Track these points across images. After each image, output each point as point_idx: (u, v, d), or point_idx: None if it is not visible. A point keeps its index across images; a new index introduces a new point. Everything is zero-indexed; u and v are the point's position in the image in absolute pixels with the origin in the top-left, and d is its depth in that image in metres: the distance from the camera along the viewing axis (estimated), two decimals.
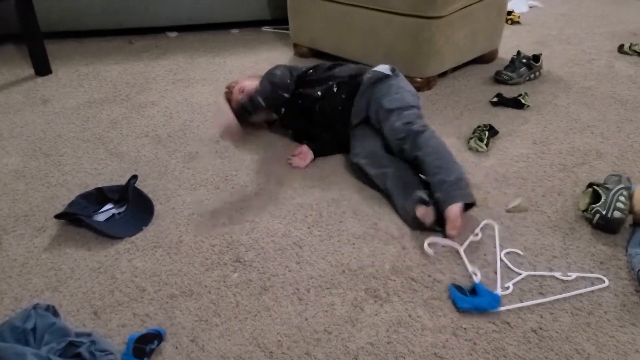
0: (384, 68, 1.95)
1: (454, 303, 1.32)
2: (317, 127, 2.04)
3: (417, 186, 1.67)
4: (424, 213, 1.56)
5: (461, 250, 1.50)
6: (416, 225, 1.59)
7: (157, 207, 1.74)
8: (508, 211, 1.67)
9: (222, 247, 1.56)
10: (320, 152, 1.99)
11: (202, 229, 1.64)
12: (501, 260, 1.48)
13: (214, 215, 1.70)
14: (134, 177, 1.80)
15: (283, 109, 2.07)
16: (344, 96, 1.97)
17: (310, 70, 2.08)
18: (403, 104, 1.82)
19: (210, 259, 1.52)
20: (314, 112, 2.00)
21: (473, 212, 1.66)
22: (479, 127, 2.09)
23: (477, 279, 1.40)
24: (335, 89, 1.98)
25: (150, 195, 1.78)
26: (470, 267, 1.44)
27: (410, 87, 1.93)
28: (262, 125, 2.22)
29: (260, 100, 1.92)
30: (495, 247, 1.53)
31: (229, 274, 1.46)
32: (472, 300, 1.30)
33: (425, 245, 1.51)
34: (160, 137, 2.17)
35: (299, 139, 2.11)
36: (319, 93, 1.99)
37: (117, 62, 2.97)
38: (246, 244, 1.57)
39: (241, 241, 1.59)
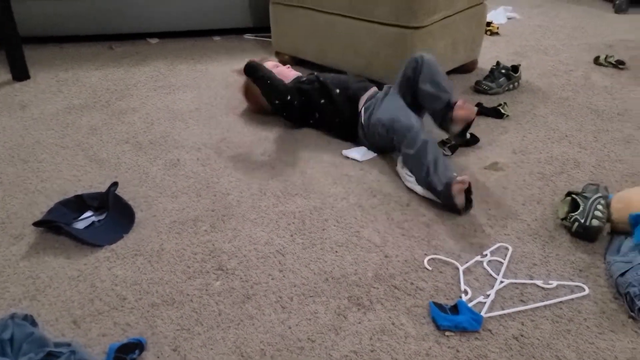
0: None
1: (434, 321, 1.32)
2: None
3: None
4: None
5: (461, 268, 1.49)
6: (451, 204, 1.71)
7: (138, 215, 1.72)
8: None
9: (204, 255, 1.55)
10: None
11: (184, 237, 1.63)
12: (500, 284, 1.46)
13: (195, 223, 1.69)
14: (115, 184, 1.78)
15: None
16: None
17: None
18: None
19: (192, 267, 1.51)
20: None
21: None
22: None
23: (466, 297, 1.39)
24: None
25: (130, 203, 1.76)
26: (463, 285, 1.44)
27: None
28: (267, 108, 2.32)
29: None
30: (498, 271, 1.48)
31: (211, 282, 1.45)
32: (453, 318, 1.29)
33: (425, 261, 1.52)
34: (141, 144, 2.15)
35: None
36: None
37: (97, 67, 2.94)
38: (228, 252, 1.56)
39: (223, 249, 1.58)
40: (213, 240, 1.61)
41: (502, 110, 2.36)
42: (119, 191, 1.81)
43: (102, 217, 1.70)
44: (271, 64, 2.34)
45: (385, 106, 2.04)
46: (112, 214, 1.68)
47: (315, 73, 2.29)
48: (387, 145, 2.01)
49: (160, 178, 1.92)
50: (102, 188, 1.83)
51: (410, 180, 1.84)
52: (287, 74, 2.36)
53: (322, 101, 2.17)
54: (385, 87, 2.16)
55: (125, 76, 2.83)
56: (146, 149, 2.12)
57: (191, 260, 1.53)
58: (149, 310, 1.36)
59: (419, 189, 1.81)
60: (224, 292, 1.42)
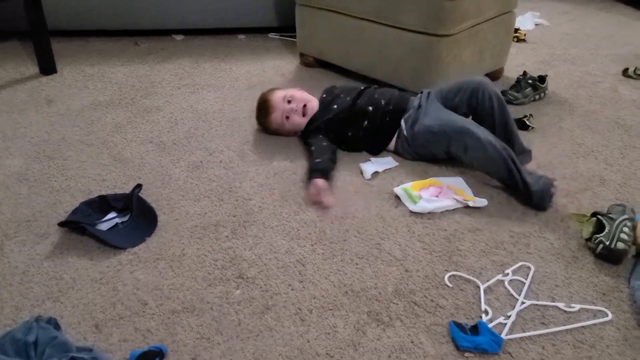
0: None
1: (453, 340, 1.31)
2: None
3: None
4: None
5: (482, 287, 1.48)
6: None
7: (161, 218, 1.73)
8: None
9: (225, 262, 1.56)
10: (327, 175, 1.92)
11: (205, 242, 1.64)
12: (521, 304, 1.44)
13: (217, 229, 1.70)
14: (139, 186, 1.80)
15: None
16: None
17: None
18: None
19: (213, 274, 1.52)
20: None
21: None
22: None
23: (486, 318, 1.38)
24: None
25: (153, 205, 1.78)
26: (483, 305, 1.43)
27: None
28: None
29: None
30: (520, 291, 1.47)
31: (231, 291, 1.46)
32: (472, 339, 1.28)
33: (446, 278, 1.51)
34: (164, 144, 2.17)
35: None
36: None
37: (123, 63, 2.96)
38: (249, 260, 1.57)
39: (244, 256, 1.58)
40: (234, 247, 1.62)
41: (528, 122, 2.33)
42: (143, 192, 1.82)
43: (125, 218, 1.71)
44: (281, 94, 2.18)
45: (432, 114, 2.02)
46: (136, 216, 1.69)
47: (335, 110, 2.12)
48: (437, 152, 2.00)
49: (183, 180, 1.93)
50: (126, 188, 1.85)
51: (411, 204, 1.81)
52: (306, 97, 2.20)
53: (350, 134, 2.10)
54: (423, 93, 2.14)
55: (150, 73, 2.85)
56: (170, 149, 2.13)
57: (212, 266, 1.54)
58: (170, 316, 1.37)
59: (417, 207, 1.78)
60: (244, 302, 1.42)
